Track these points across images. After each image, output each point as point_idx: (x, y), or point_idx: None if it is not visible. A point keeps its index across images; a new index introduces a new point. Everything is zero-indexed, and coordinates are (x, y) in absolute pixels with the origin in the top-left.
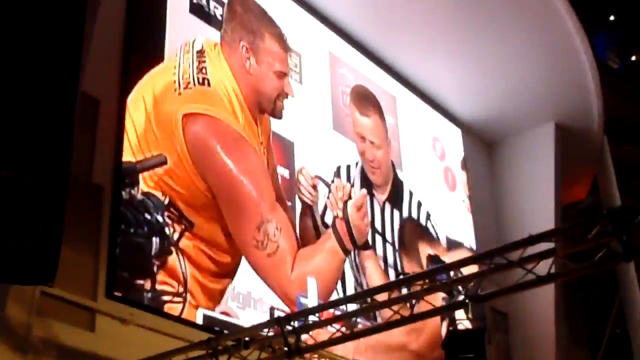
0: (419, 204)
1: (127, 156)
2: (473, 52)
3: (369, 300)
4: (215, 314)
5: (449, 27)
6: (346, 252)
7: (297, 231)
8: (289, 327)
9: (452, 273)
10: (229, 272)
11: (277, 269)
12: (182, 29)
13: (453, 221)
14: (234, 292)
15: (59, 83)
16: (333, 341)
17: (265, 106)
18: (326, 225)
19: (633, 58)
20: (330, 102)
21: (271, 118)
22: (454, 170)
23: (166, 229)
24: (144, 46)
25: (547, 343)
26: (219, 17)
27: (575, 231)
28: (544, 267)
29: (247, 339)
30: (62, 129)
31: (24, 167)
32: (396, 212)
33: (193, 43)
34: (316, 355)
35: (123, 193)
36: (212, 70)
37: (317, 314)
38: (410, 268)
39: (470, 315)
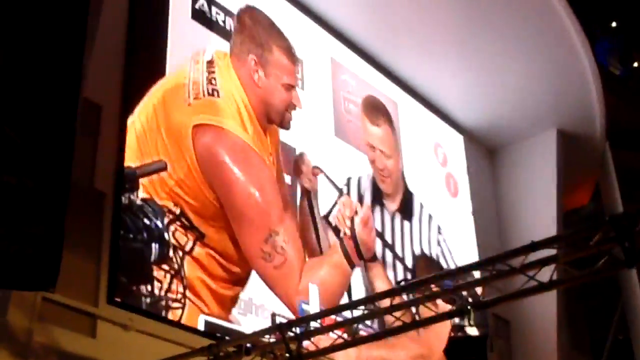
0: (430, 217)
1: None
2: (475, 58)
3: (371, 307)
4: (217, 320)
5: (451, 34)
6: (352, 267)
7: (298, 217)
8: (291, 334)
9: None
10: (240, 280)
11: (284, 280)
12: (184, 35)
13: (456, 229)
14: None
15: (60, 89)
16: (335, 347)
17: (274, 118)
18: (328, 222)
19: (635, 64)
20: (332, 109)
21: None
22: (456, 176)
23: (165, 235)
24: (146, 52)
25: (549, 350)
26: (221, 24)
27: (577, 238)
28: (546, 274)
29: (248, 345)
30: (63, 135)
31: (25, 173)
32: (407, 224)
33: (203, 53)
34: None
35: (122, 198)
36: (221, 82)
37: (318, 321)
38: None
39: (472, 322)
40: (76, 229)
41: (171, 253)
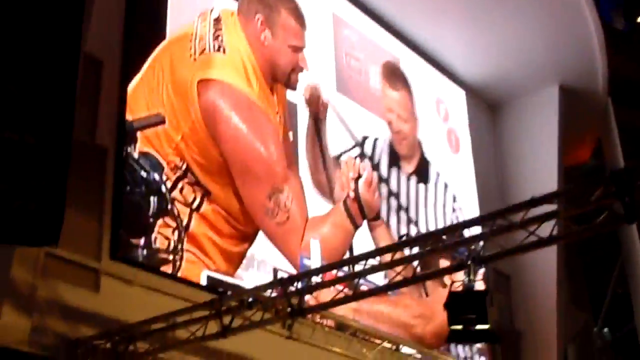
0: (445, 186)
1: None
2: (477, 14)
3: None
4: (219, 275)
5: None
6: (355, 227)
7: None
8: (292, 288)
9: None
10: (247, 237)
11: (287, 236)
12: None
13: (459, 185)
14: None
15: (61, 45)
16: (335, 302)
17: (280, 78)
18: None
19: (639, 19)
20: (334, 64)
21: None
22: (458, 132)
23: (162, 188)
24: (146, 7)
25: (549, 304)
26: None
27: (577, 193)
28: (546, 229)
29: (250, 299)
30: (65, 91)
31: (27, 129)
32: (422, 186)
33: (211, 12)
34: (318, 316)
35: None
36: (228, 39)
37: (320, 275)
38: None
39: (472, 277)
40: (79, 185)
41: (175, 210)
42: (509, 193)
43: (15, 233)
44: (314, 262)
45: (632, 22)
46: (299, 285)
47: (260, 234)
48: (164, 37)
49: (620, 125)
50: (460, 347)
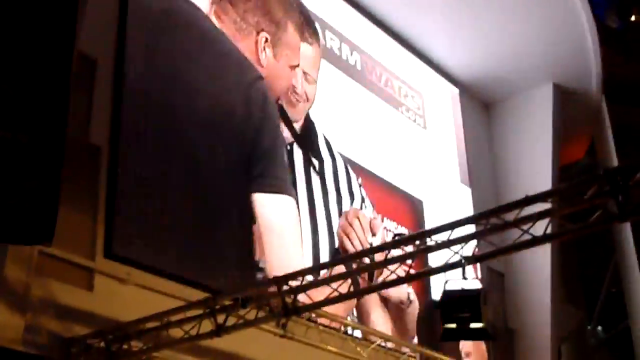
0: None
1: None
2: (471, 11)
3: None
4: None
5: None
6: None
7: None
8: (286, 287)
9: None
10: None
11: None
12: None
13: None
14: None
15: (55, 42)
16: (330, 301)
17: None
18: None
19: (633, 18)
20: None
21: None
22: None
23: None
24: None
25: (543, 302)
26: None
27: (571, 191)
28: (540, 228)
29: (244, 298)
30: (58, 89)
31: (20, 128)
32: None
33: None
34: (313, 314)
35: None
36: None
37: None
38: None
39: (465, 276)
40: (72, 183)
41: None
42: (503, 191)
43: (9, 231)
44: (307, 261)
45: (626, 20)
46: (293, 283)
47: None
48: None
49: (614, 124)
50: None
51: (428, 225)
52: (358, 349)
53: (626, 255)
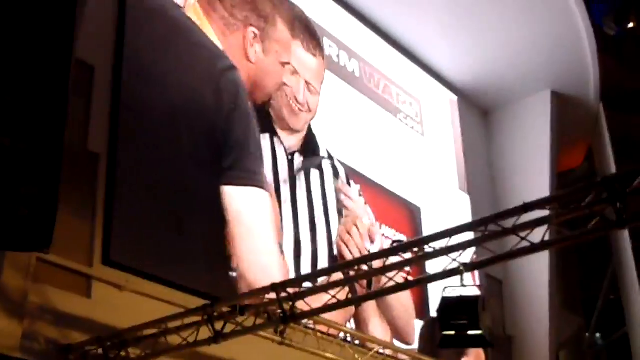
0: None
1: None
2: (469, 18)
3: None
4: None
5: None
6: None
7: None
8: (285, 294)
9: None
10: None
11: None
12: None
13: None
14: None
15: (53, 50)
16: (328, 308)
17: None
18: None
19: (630, 25)
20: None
21: None
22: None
23: None
24: (138, 11)
25: (541, 309)
26: None
27: (569, 199)
28: (538, 235)
29: (242, 305)
30: (57, 96)
31: (18, 135)
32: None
33: None
34: (311, 322)
35: None
36: None
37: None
38: None
39: (464, 283)
40: (70, 191)
41: None
42: (501, 198)
43: (6, 238)
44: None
45: (624, 28)
46: (291, 290)
47: None
48: None
49: (612, 131)
50: None
51: (426, 233)
52: (356, 356)
53: (624, 262)
